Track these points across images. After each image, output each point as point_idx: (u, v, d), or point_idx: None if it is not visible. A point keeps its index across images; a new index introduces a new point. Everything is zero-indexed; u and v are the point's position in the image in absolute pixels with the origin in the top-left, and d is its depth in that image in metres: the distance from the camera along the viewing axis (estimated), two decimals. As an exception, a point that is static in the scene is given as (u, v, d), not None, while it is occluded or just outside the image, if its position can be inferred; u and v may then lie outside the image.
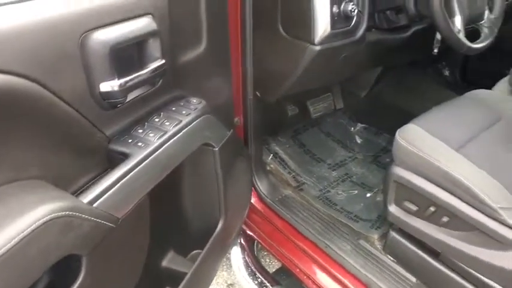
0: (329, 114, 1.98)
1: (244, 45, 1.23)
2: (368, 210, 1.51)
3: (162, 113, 0.86)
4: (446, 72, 2.20)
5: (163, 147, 0.77)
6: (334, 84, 1.90)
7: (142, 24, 0.75)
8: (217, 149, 0.98)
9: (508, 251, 0.96)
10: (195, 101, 0.93)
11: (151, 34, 0.77)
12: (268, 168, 1.69)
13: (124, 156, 0.73)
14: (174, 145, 0.80)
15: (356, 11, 1.10)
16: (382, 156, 1.86)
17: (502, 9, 1.34)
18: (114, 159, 0.74)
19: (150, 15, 0.78)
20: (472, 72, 2.11)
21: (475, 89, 1.46)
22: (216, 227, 1.09)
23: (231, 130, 1.06)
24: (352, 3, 1.09)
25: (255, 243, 1.58)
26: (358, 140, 1.97)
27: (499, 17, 1.34)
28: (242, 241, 1.57)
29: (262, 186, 1.52)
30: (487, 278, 1.01)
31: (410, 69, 1.99)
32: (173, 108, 0.88)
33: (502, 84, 1.57)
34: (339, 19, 1.10)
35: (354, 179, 1.71)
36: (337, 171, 1.75)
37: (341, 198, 1.58)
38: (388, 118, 1.93)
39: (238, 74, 1.28)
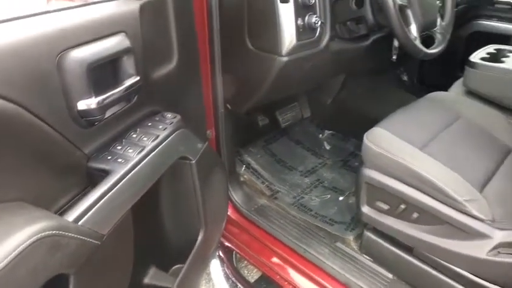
0: (297, 123, 2.03)
1: (213, 60, 1.26)
2: (342, 213, 1.56)
3: (138, 129, 0.87)
4: (405, 77, 2.31)
5: (143, 162, 0.78)
6: (301, 93, 1.95)
7: (117, 42, 0.76)
8: (193, 162, 0.99)
9: (474, 240, 1.02)
10: (169, 115, 0.94)
11: (125, 51, 0.79)
12: (241, 179, 1.71)
13: (104, 173, 0.73)
14: (153, 160, 0.81)
15: (319, 22, 1.15)
16: (351, 160, 1.93)
17: (452, 16, 1.45)
18: (94, 177, 0.74)
19: (124, 33, 0.79)
20: (427, 76, 2.23)
21: (432, 91, 1.55)
22: (196, 239, 1.10)
23: (206, 143, 1.07)
24: (315, 15, 1.15)
25: (234, 254, 1.59)
26: (327, 147, 2.03)
27: (450, 24, 1.44)
28: (220, 253, 1.58)
29: (237, 197, 1.54)
30: (457, 267, 1.07)
31: (371, 75, 2.08)
32: (149, 124, 0.89)
33: (456, 86, 1.68)
34: (303, 31, 1.15)
35: (326, 184, 1.75)
36: (309, 177, 1.80)
37: (315, 203, 1.63)
38: (353, 123, 2.01)
39: (209, 87, 1.31)
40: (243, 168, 1.76)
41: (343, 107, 2.14)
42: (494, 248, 0.99)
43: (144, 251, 0.99)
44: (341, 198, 1.66)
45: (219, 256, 1.58)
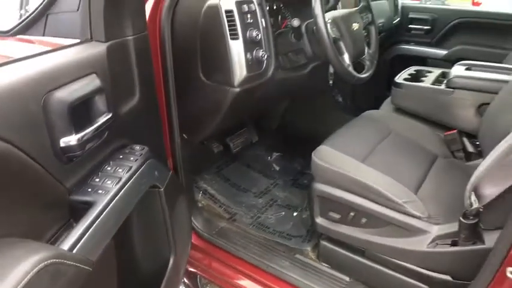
0: (247, 148, 2.14)
1: (168, 94, 1.34)
2: (297, 227, 1.68)
3: (111, 162, 0.93)
4: (340, 98, 2.53)
5: (121, 192, 0.84)
6: (249, 120, 2.08)
7: (90, 82, 0.83)
8: (162, 189, 1.06)
9: (415, 236, 1.18)
10: (138, 147, 1.01)
11: (98, 91, 0.86)
12: (200, 205, 1.77)
13: (87, 205, 0.78)
14: (129, 189, 0.87)
15: (266, 56, 1.29)
16: (300, 178, 2.07)
17: (377, 45, 1.66)
18: (77, 209, 0.79)
19: (95, 74, 0.86)
20: (360, 96, 2.46)
21: (364, 109, 1.74)
22: (167, 265, 1.15)
23: (171, 171, 1.15)
24: (262, 50, 1.29)
25: (198, 279, 1.63)
26: (276, 168, 2.16)
27: (376, 51, 1.65)
28: (185, 279, 1.62)
29: (197, 222, 1.60)
30: (404, 262, 1.21)
31: (311, 99, 2.26)
32: (121, 156, 0.95)
33: (386, 104, 1.90)
34: (252, 64, 1.28)
35: (280, 203, 1.87)
36: (263, 198, 1.90)
37: (271, 221, 1.73)
38: (299, 144, 2.17)
39: (166, 119, 1.38)
40: (200, 194, 1.83)
41: (288, 130, 2.30)
42: (433, 240, 1.15)
43: (119, 279, 1.03)
44: (295, 213, 1.78)
45: (184, 282, 1.62)
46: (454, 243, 1.11)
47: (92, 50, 0.89)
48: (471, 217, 1.04)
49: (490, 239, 1.01)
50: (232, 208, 1.80)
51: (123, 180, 0.86)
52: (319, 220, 1.38)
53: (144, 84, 1.13)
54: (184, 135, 1.47)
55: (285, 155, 2.22)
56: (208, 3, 1.24)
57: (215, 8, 1.22)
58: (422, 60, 2.68)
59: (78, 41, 0.96)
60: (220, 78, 1.29)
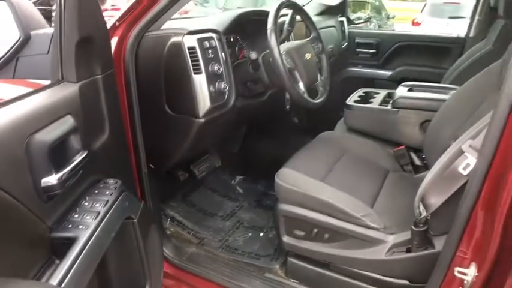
0: (211, 173, 2.19)
1: (134, 127, 1.39)
2: (265, 247, 1.74)
3: (87, 197, 0.96)
4: (296, 122, 2.65)
5: (101, 226, 0.88)
6: (212, 145, 2.14)
7: (66, 122, 0.88)
8: (135, 220, 1.10)
9: (374, 246, 1.28)
10: (111, 181, 1.05)
11: (74, 130, 0.90)
12: (168, 232, 1.80)
13: (69, 241, 0.82)
14: (107, 223, 0.91)
15: (227, 87, 1.38)
16: (263, 199, 2.15)
17: (328, 71, 1.80)
18: (59, 246, 0.82)
19: (69, 114, 0.91)
20: (314, 119, 2.60)
21: (319, 130, 1.86)
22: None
23: (143, 202, 1.19)
24: (223, 82, 1.38)
25: (171, 306, 1.65)
26: (240, 190, 2.23)
27: (328, 77, 1.78)
28: (158, 308, 1.63)
29: (167, 250, 1.63)
30: (366, 271, 1.31)
31: (270, 123, 2.36)
32: (96, 191, 0.99)
33: (340, 125, 2.04)
34: (215, 96, 1.36)
35: (246, 224, 1.93)
36: (230, 220, 1.96)
37: (239, 243, 1.79)
38: (260, 166, 2.26)
39: (132, 151, 1.42)
40: (168, 222, 1.86)
41: (249, 153, 2.38)
42: (390, 249, 1.26)
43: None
44: (261, 234, 1.84)
45: (157, 311, 1.63)
46: (408, 250, 1.23)
47: (65, 91, 0.94)
48: (421, 225, 1.16)
49: (439, 243, 1.13)
50: (201, 233, 1.84)
51: (101, 214, 0.90)
52: (285, 238, 1.46)
53: (113, 120, 1.17)
54: (151, 165, 1.51)
55: (247, 178, 2.29)
56: (171, 40, 1.32)
57: (178, 45, 1.30)
58: (370, 81, 2.89)
59: (49, 82, 1.00)
60: (185, 110, 1.36)
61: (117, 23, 1.30)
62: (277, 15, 1.45)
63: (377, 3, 10.51)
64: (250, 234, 1.85)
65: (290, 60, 1.49)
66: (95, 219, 0.88)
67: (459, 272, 0.92)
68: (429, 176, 1.14)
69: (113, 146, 1.18)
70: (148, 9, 1.28)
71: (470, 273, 0.90)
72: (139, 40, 1.33)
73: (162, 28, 1.37)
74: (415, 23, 9.67)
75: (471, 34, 2.62)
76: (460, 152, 1.07)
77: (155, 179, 1.56)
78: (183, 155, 1.54)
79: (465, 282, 0.91)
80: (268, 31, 1.40)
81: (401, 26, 10.37)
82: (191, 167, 2.02)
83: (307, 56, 1.61)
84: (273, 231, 1.82)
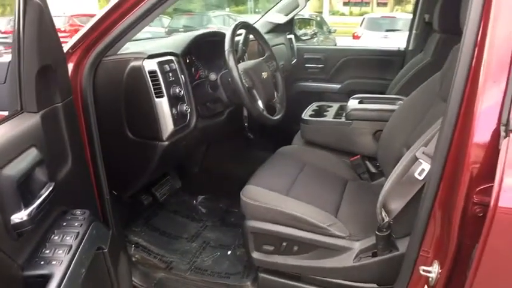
0: (172, 195, 2.18)
1: (95, 154, 1.36)
2: (234, 265, 1.75)
3: (55, 230, 0.93)
4: (251, 137, 2.70)
5: (74, 259, 0.86)
6: (172, 168, 2.13)
7: (31, 155, 0.85)
8: (106, 250, 1.07)
9: (342, 254, 1.33)
10: (79, 212, 1.02)
11: (40, 162, 0.87)
12: (134, 259, 1.75)
13: (44, 278, 0.78)
14: (80, 256, 0.89)
15: (189, 109, 1.39)
16: (227, 217, 2.15)
17: (283, 88, 1.86)
18: (32, 284, 0.79)
19: (34, 146, 0.88)
20: (272, 134, 2.65)
21: (278, 146, 1.91)
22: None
23: (111, 231, 1.16)
24: (185, 104, 1.39)
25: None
26: (203, 210, 2.22)
27: (283, 94, 1.85)
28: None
29: (135, 277, 1.60)
30: (336, 279, 1.36)
31: (229, 141, 2.38)
32: (64, 224, 0.96)
33: (297, 139, 2.10)
34: (178, 118, 1.37)
35: (212, 244, 1.93)
36: (196, 241, 1.94)
37: (208, 263, 1.78)
38: (221, 185, 2.27)
39: (93, 178, 1.39)
40: (133, 248, 1.81)
41: (209, 172, 2.38)
42: (357, 255, 1.31)
43: None
44: (229, 252, 1.85)
45: None
46: (374, 255, 1.29)
47: (28, 122, 0.91)
48: (384, 230, 1.22)
49: (403, 245, 1.20)
50: (167, 257, 1.81)
51: (73, 247, 0.88)
52: (255, 254, 1.48)
53: (75, 148, 1.15)
54: (114, 191, 1.48)
55: (209, 197, 2.29)
56: (131, 65, 1.31)
57: (139, 70, 1.30)
58: (320, 94, 3.01)
59: (5, 112, 0.97)
60: (148, 134, 1.36)
61: (70, 50, 1.28)
62: (233, 37, 1.50)
63: (318, 18, 11.01)
64: (218, 253, 1.84)
65: (248, 80, 1.53)
66: (68, 253, 0.86)
67: (424, 271, 0.99)
68: (388, 183, 1.21)
69: (76, 175, 1.15)
70: (106, 35, 1.27)
71: (433, 270, 0.97)
72: (97, 65, 1.31)
73: (119, 52, 1.36)
74: (355, 36, 10.22)
75: (410, 47, 2.82)
76: (415, 159, 1.15)
77: (118, 205, 1.53)
78: (146, 180, 1.52)
79: (430, 279, 0.98)
80: (226, 52, 1.44)
81: (343, 40, 10.91)
82: (152, 190, 2.00)
83: (264, 74, 1.66)
84: (240, 248, 1.83)
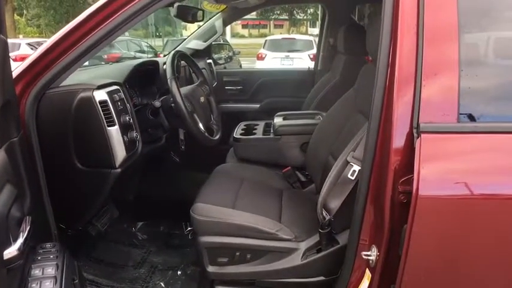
0: (111, 224, 2.15)
1: (40, 189, 1.35)
2: (187, 283, 1.81)
3: (32, 265, 0.95)
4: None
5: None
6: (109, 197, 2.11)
7: (9, 190, 0.87)
8: (77, 281, 1.10)
9: (290, 255, 1.48)
10: (48, 245, 1.04)
11: (16, 197, 0.89)
12: (82, 294, 1.72)
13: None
14: (66, 285, 0.92)
15: (138, 136, 1.46)
16: (170, 240, 2.19)
17: (217, 111, 2.00)
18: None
19: (8, 182, 0.90)
20: (205, 155, 2.74)
21: (212, 165, 2.02)
22: None
23: (76, 261, 1.18)
24: (134, 131, 1.45)
25: None
26: (144, 236, 2.23)
27: (218, 115, 1.98)
28: None
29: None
30: (288, 279, 1.50)
31: (165, 165, 2.42)
32: (39, 258, 0.98)
33: (230, 157, 2.25)
34: (129, 145, 1.43)
35: (160, 267, 1.96)
36: (143, 267, 1.96)
37: (161, 286, 1.81)
38: (159, 209, 2.30)
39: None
40: (79, 283, 1.77)
41: (145, 198, 2.40)
42: (303, 254, 1.47)
43: None
44: (179, 272, 1.90)
45: None
46: (319, 251, 1.46)
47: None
48: (326, 227, 1.41)
49: (343, 238, 1.39)
50: (117, 287, 1.80)
51: (58, 278, 0.91)
52: (210, 268, 1.56)
53: (31, 182, 1.15)
54: (61, 225, 1.47)
55: (148, 223, 2.31)
56: (80, 96, 1.34)
57: (89, 100, 1.33)
58: (242, 114, 3.19)
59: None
60: (100, 162, 1.39)
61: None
62: (173, 65, 1.60)
63: (222, 41, 11.35)
64: (168, 275, 1.88)
65: (189, 104, 1.64)
66: (55, 284, 0.88)
67: (365, 255, 1.18)
68: (325, 186, 1.40)
69: (33, 209, 1.16)
70: (49, 68, 1.29)
71: (372, 254, 1.16)
72: (41, 97, 1.32)
73: (62, 84, 1.38)
74: (260, 57, 10.74)
75: (319, 67, 3.15)
76: (346, 163, 1.36)
77: (68, 239, 1.51)
78: (96, 209, 1.53)
79: (370, 262, 1.17)
80: (169, 80, 1.54)
81: (247, 60, 11.38)
82: (93, 221, 1.97)
83: (201, 98, 1.78)
84: (190, 267, 1.90)
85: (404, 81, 1.07)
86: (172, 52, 1.69)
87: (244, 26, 33.05)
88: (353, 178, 1.31)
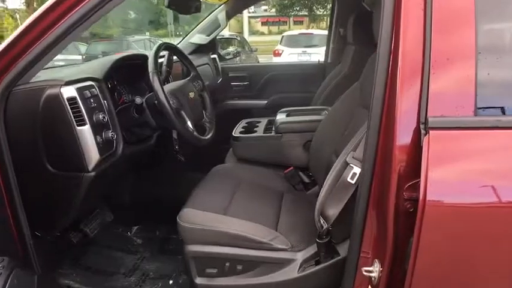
0: (104, 229, 2.04)
1: (12, 195, 1.24)
2: (177, 294, 1.67)
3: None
4: (183, 160, 2.63)
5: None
6: (102, 200, 2.00)
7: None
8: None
9: (286, 267, 1.32)
10: (-4, 260, 0.91)
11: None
12: (67, 304, 1.61)
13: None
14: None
15: (115, 135, 1.32)
16: (165, 245, 2.06)
17: (212, 107, 1.85)
18: None
19: None
20: (202, 155, 2.61)
21: (210, 165, 1.88)
22: None
23: (36, 276, 1.06)
24: (110, 130, 1.31)
25: None
26: (139, 241, 2.10)
27: (212, 113, 1.83)
28: None
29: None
30: (284, 292, 1.35)
31: (160, 166, 2.30)
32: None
33: (229, 157, 2.10)
34: (103, 146, 1.29)
35: (152, 275, 1.83)
36: (134, 275, 1.83)
37: (150, 297, 1.68)
38: (156, 212, 2.18)
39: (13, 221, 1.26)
40: (64, 292, 1.67)
41: (141, 200, 2.28)
42: (300, 265, 1.31)
43: None
44: (171, 281, 1.76)
45: None
46: (317, 263, 1.30)
47: None
48: (324, 236, 1.24)
49: (343, 249, 1.22)
50: (103, 296, 1.68)
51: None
52: (198, 280, 1.42)
53: None
54: (37, 232, 1.35)
55: (144, 227, 2.18)
56: (47, 93, 1.21)
57: (56, 97, 1.21)
58: (248, 111, 3.04)
59: None
60: (71, 166, 1.26)
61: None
62: (156, 58, 1.46)
63: (239, 39, 11.28)
64: (160, 284, 1.75)
65: (176, 101, 1.49)
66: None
67: (366, 271, 1.01)
68: (323, 191, 1.24)
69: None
70: (15, 62, 1.18)
71: (375, 269, 1.00)
72: (7, 97, 1.20)
73: (31, 81, 1.26)
74: (276, 54, 10.59)
75: (329, 60, 2.96)
76: (346, 164, 1.19)
77: (43, 247, 1.39)
78: (73, 215, 1.41)
79: (373, 279, 1.01)
80: (151, 74, 1.40)
81: (265, 57, 11.25)
82: (81, 226, 1.86)
83: (191, 94, 1.63)
84: (182, 275, 1.76)
85: (410, 69, 0.90)
86: (157, 44, 1.55)
87: (264, 23, 32.91)
88: (353, 182, 1.14)
